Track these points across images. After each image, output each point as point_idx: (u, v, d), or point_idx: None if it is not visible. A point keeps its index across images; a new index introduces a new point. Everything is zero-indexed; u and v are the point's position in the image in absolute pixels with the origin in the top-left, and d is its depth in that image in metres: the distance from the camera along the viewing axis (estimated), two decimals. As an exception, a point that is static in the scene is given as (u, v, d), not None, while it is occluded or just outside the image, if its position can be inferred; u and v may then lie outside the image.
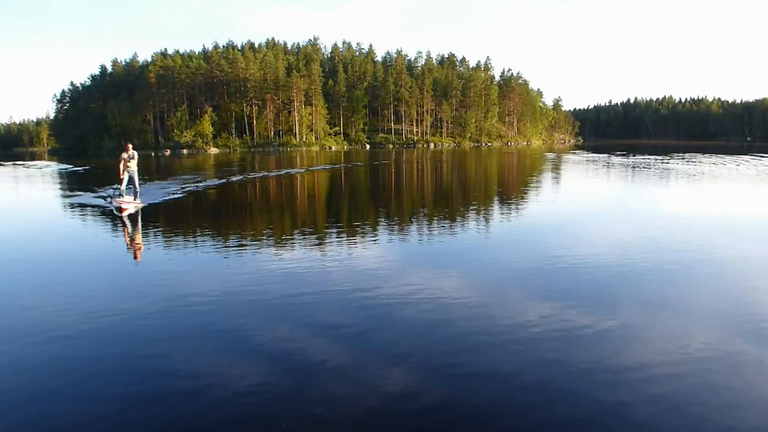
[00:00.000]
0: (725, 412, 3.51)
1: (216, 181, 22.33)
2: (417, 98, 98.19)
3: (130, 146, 15.31)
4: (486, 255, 8.24)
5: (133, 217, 12.48)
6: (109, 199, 15.58)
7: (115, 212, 13.03)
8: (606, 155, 47.28)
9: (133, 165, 14.79)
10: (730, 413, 3.49)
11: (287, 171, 29.13)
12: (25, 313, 5.56)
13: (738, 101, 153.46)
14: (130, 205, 13.54)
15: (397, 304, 5.73)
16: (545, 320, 5.20)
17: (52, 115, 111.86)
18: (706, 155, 45.37)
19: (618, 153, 51.76)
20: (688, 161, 36.32)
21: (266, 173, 27.25)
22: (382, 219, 12.03)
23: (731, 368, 4.15)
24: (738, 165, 31.86)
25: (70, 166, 39.23)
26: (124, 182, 14.72)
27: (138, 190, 14.82)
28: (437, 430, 3.35)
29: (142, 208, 13.72)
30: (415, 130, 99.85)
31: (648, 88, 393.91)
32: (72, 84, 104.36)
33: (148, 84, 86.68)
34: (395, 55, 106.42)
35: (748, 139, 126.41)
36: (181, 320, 5.32)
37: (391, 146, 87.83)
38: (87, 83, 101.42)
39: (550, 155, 52.08)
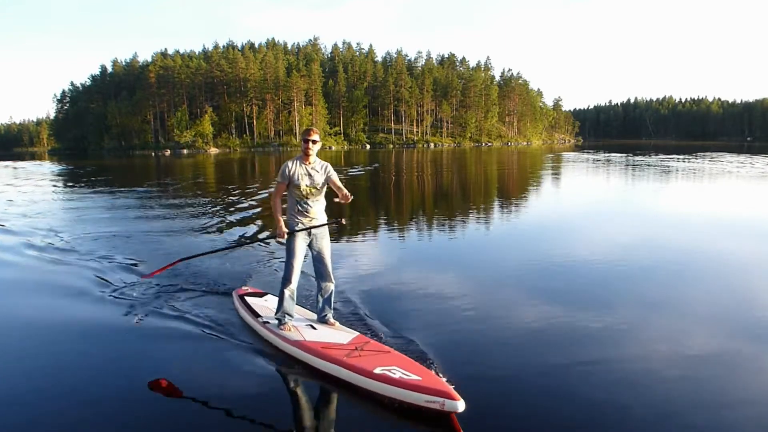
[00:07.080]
0: (727, 412, 3.52)
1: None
2: (417, 98, 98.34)
3: (316, 142, 4.38)
4: (504, 257, 8.25)
5: None
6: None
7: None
8: (621, 155, 46.23)
9: (320, 209, 4.49)
10: (731, 414, 3.50)
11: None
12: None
13: (738, 101, 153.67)
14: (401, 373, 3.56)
15: (399, 303, 5.73)
16: (545, 320, 5.20)
17: (52, 115, 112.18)
18: (731, 155, 45.06)
19: (636, 152, 50.88)
20: (715, 161, 36.02)
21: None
22: (387, 219, 12.03)
23: (733, 369, 4.15)
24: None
25: (53, 166, 38.91)
26: (297, 269, 4.41)
27: (333, 290, 4.61)
28: (435, 429, 3.34)
29: None
30: (415, 130, 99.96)
31: (648, 88, 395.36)
32: (72, 84, 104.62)
33: (148, 84, 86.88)
34: (395, 55, 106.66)
35: (748, 139, 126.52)
36: (181, 318, 5.34)
37: (391, 146, 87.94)
38: (87, 83, 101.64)
39: (567, 155, 50.47)
